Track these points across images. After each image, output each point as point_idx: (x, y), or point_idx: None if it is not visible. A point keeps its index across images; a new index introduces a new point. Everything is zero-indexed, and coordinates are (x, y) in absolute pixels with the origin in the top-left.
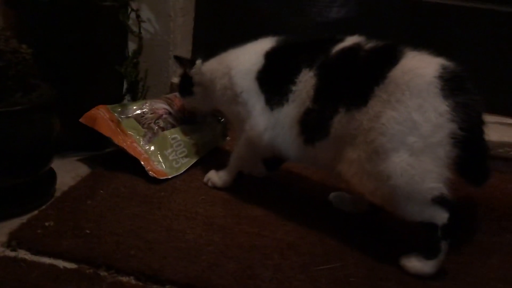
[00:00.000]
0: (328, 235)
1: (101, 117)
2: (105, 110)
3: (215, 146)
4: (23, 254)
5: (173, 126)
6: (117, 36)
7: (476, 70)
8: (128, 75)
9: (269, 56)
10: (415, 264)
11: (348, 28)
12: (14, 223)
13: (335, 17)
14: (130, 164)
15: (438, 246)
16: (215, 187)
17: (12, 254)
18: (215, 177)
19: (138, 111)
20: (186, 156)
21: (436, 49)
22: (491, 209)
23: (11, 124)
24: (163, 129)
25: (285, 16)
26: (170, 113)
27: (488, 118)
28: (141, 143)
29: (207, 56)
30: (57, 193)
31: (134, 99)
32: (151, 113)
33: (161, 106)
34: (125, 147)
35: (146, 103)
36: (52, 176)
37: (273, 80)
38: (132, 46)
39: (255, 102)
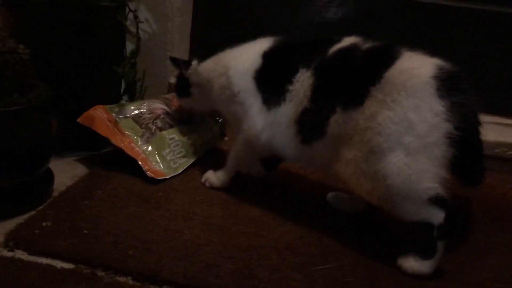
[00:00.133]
0: (326, 235)
1: (99, 117)
2: (103, 110)
3: (213, 146)
4: (20, 254)
5: (171, 126)
6: (115, 36)
7: (473, 71)
8: (126, 75)
9: (267, 56)
10: (412, 264)
11: (346, 29)
12: (11, 223)
13: (333, 17)
14: (128, 164)
15: (434, 246)
16: (213, 187)
17: (9, 254)
18: (213, 177)
19: (136, 111)
20: (184, 156)
21: (433, 50)
22: (488, 209)
23: (9, 124)
24: (161, 129)
25: (283, 16)
26: (168, 113)
27: (485, 118)
28: (139, 143)
29: (203, 56)
30: (55, 193)
31: (132, 99)
32: (149, 113)
33: (159, 106)
34: (123, 147)
35: (144, 103)
36: (49, 176)
37: (271, 80)
38: (130, 46)
39: (253, 101)
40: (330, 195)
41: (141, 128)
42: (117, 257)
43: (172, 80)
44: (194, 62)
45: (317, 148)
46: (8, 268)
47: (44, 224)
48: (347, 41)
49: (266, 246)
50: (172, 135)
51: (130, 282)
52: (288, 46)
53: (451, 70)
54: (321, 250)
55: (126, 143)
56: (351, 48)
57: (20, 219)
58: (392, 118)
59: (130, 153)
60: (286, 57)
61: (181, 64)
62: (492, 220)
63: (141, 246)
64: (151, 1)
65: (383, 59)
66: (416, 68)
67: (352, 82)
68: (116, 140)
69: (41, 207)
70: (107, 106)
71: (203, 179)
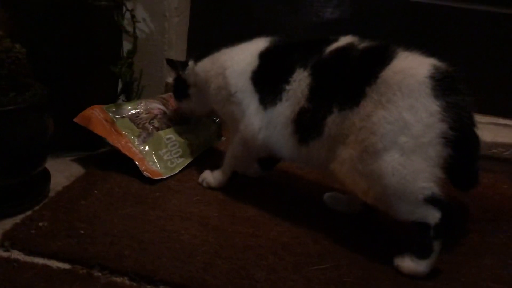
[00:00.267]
0: (322, 236)
1: (95, 117)
2: (100, 110)
3: (210, 146)
4: (16, 254)
5: (168, 126)
6: (111, 36)
7: (469, 71)
8: (122, 75)
9: (264, 56)
10: (408, 264)
11: (342, 28)
12: (7, 223)
13: (330, 17)
14: (125, 164)
15: (430, 245)
16: (209, 187)
17: (5, 254)
18: (209, 177)
19: (133, 111)
20: (181, 156)
21: (429, 50)
22: (484, 209)
23: (4, 124)
24: (157, 129)
25: (280, 16)
26: (165, 113)
27: (481, 118)
28: (136, 143)
29: (198, 56)
30: (51, 193)
31: (129, 99)
32: (146, 113)
33: (156, 106)
34: (119, 147)
35: (141, 103)
36: (46, 176)
37: (268, 80)
38: (127, 46)
39: (250, 102)
40: (326, 195)
41: (138, 128)
42: (114, 257)
43: (169, 79)
44: (191, 63)
45: (313, 148)
46: (4, 268)
47: (40, 224)
48: (344, 40)
49: (262, 246)
50: (169, 135)
51: (127, 282)
52: (284, 46)
53: (447, 70)
54: (317, 250)
55: (123, 143)
56: (348, 48)
57: (17, 219)
58: (387, 118)
59: (127, 153)
60: (283, 57)
61: (178, 65)
62: (488, 220)
63: (138, 246)
64: (148, 1)
65: (379, 59)
66: (412, 68)
67: (348, 82)
68: (113, 140)
69: (37, 207)
70: (104, 106)
71: (200, 179)
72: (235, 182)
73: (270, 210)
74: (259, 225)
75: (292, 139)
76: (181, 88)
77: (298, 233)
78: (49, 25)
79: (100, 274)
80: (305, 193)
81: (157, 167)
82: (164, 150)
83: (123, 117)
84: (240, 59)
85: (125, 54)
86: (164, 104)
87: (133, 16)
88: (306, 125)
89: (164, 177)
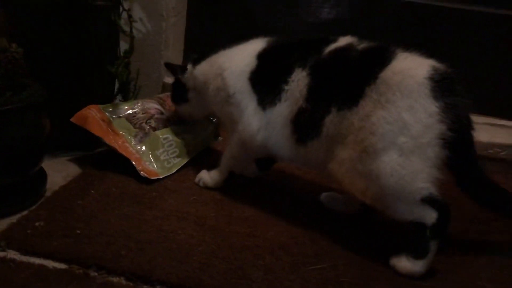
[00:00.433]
0: (320, 236)
1: (92, 116)
2: (97, 109)
3: (207, 146)
4: (12, 254)
5: (164, 126)
6: (108, 35)
7: (467, 72)
8: (119, 75)
9: (262, 56)
10: (405, 264)
11: (341, 29)
12: (3, 223)
13: (328, 18)
14: (121, 164)
15: (427, 245)
16: (206, 187)
17: (2, 254)
18: (206, 177)
19: (130, 111)
20: (177, 156)
21: (428, 51)
22: (481, 209)
23: (1, 124)
24: (154, 129)
25: (277, 16)
26: (161, 113)
27: (478, 119)
28: (133, 143)
29: (197, 60)
30: (48, 193)
31: (126, 99)
32: (142, 113)
33: (152, 106)
34: (116, 147)
35: (137, 103)
36: (42, 176)
37: (266, 80)
38: (123, 45)
39: (248, 102)
40: (324, 195)
41: (135, 128)
42: (110, 257)
43: (166, 79)
44: (189, 66)
45: (312, 148)
46: (0, 268)
47: (36, 224)
48: (343, 41)
49: (259, 246)
50: (166, 135)
51: (123, 282)
52: (283, 46)
53: (446, 71)
54: (315, 250)
55: (119, 142)
56: (347, 48)
57: (13, 219)
58: (386, 118)
59: (123, 153)
60: (281, 57)
61: (177, 69)
62: (485, 221)
63: (134, 246)
64: (145, 1)
65: (378, 60)
66: (411, 69)
67: (347, 82)
68: (110, 140)
69: (33, 207)
70: (101, 106)
71: (196, 179)
72: (232, 182)
73: (267, 210)
74: (256, 225)
75: (290, 140)
76: (180, 92)
77: (295, 233)
78: (46, 25)
79: (96, 274)
80: (303, 193)
81: (154, 167)
82: (161, 150)
83: (120, 117)
84: (238, 60)
85: (122, 54)
86: (161, 104)
87: (130, 16)
88: (304, 125)
89: (161, 177)
